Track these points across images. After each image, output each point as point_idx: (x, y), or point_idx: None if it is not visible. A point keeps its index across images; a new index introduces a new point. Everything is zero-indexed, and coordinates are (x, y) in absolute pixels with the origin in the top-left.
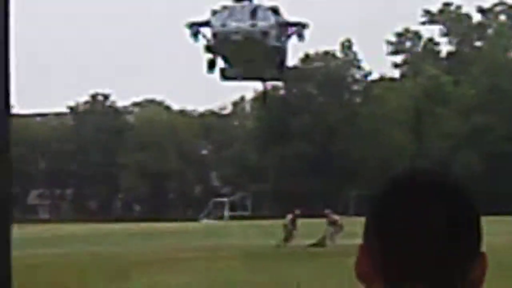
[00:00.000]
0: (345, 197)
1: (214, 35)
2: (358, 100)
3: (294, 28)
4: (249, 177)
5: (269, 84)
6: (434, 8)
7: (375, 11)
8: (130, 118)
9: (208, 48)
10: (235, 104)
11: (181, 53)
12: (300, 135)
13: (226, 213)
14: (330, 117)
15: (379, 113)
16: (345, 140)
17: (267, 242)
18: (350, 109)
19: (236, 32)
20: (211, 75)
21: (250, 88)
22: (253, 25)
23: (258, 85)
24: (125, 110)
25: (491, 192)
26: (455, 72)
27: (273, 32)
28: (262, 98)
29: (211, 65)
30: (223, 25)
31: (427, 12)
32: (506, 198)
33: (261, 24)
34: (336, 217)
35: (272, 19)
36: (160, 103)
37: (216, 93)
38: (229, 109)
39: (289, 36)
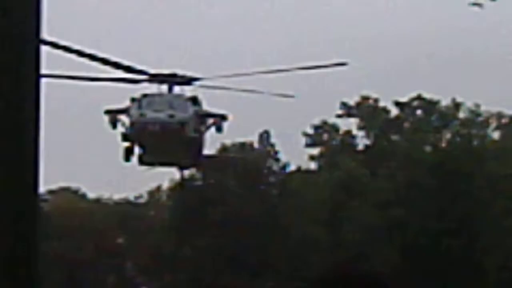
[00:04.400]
0: None
1: (132, 124)
2: (275, 192)
3: (212, 120)
4: (164, 267)
5: (186, 173)
6: (351, 101)
7: (293, 102)
8: (45, 206)
9: (125, 137)
10: (151, 193)
11: (97, 139)
12: (216, 226)
13: None
14: (247, 209)
15: (296, 206)
16: (261, 232)
17: None
18: (267, 201)
19: (154, 123)
20: (127, 164)
21: (166, 178)
22: (171, 116)
23: (175, 175)
24: (39, 198)
25: (408, 285)
26: (372, 165)
27: (191, 123)
28: (178, 186)
29: (128, 153)
30: (142, 115)
31: (344, 105)
32: None
33: (179, 115)
34: None
35: (191, 109)
36: (75, 191)
37: (132, 182)
38: (145, 198)
39: (207, 128)
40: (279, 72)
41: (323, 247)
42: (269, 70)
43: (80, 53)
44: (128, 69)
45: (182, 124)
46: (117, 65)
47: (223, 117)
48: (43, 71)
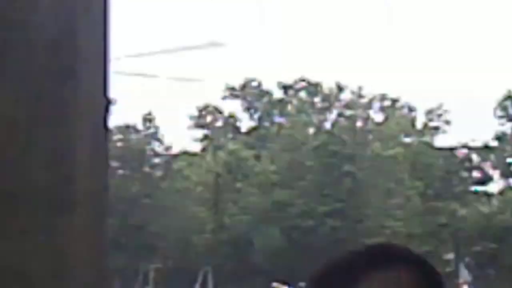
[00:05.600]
0: (145, 270)
1: None
2: (158, 174)
3: None
4: None
5: None
6: (236, 83)
7: (174, 85)
8: None
9: None
10: None
11: None
12: None
13: None
14: (131, 190)
15: (180, 188)
16: (145, 214)
17: None
18: (151, 183)
19: None
20: None
21: None
22: None
23: None
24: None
25: (291, 266)
26: (256, 147)
27: None
28: None
29: None
30: None
31: (228, 87)
32: (306, 272)
33: None
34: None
35: None
36: None
37: None
38: None
39: None
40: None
41: (207, 229)
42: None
43: None
44: None
45: None
46: None
47: (109, 100)
48: None
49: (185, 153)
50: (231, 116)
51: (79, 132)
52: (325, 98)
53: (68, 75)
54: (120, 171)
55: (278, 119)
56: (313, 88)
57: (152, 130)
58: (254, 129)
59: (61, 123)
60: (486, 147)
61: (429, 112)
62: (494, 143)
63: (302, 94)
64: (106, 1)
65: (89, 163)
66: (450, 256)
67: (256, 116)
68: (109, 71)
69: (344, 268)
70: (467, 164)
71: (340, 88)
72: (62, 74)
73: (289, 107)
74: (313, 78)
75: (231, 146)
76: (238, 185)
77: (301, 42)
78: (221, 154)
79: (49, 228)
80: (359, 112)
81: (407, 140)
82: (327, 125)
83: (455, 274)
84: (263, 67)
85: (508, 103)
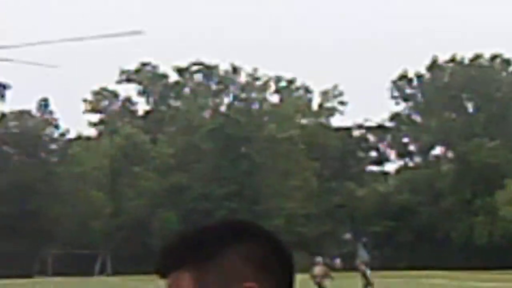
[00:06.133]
0: (43, 256)
1: None
2: (55, 159)
3: None
4: None
5: None
6: (131, 67)
7: (73, 71)
8: None
9: None
10: None
11: None
12: None
13: None
14: (27, 176)
15: (76, 173)
16: (41, 199)
17: None
18: (47, 168)
19: None
20: None
21: None
22: None
23: None
24: None
25: None
26: (152, 131)
27: None
28: None
29: None
30: None
31: (123, 71)
32: None
33: None
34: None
35: None
36: None
37: None
38: None
39: None
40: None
41: (104, 214)
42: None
43: None
44: None
45: None
46: None
47: (5, 86)
48: None
49: (81, 137)
50: (127, 99)
51: None
52: (221, 80)
53: None
54: (16, 157)
55: (173, 103)
56: (209, 70)
57: (47, 115)
58: (150, 112)
59: None
60: (382, 127)
61: (324, 93)
62: (390, 124)
63: (198, 76)
64: None
65: None
66: (348, 236)
67: (151, 100)
68: None
69: (196, 243)
70: (363, 144)
71: (235, 70)
72: None
73: (185, 90)
74: (208, 60)
75: (127, 130)
76: (135, 169)
77: (197, 24)
78: (117, 138)
79: None
80: (255, 94)
81: (304, 121)
82: (223, 108)
83: (354, 254)
84: (158, 51)
85: (403, 83)
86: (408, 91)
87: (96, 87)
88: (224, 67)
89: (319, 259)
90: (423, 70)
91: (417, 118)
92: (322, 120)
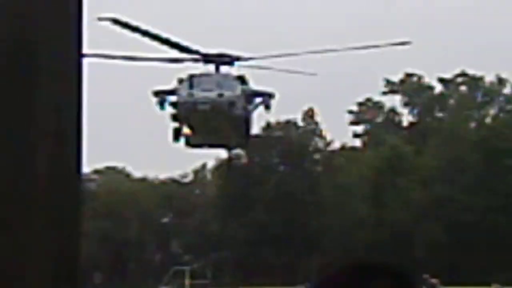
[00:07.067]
0: (305, 267)
1: (181, 104)
2: (319, 169)
3: (260, 99)
4: (210, 245)
5: (232, 152)
6: (396, 78)
7: (337, 80)
8: (91, 186)
9: (175, 117)
10: (196, 172)
11: (143, 119)
12: (261, 204)
13: (187, 281)
14: (291, 186)
15: (340, 183)
16: (305, 209)
17: None
18: (311, 179)
19: (203, 102)
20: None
21: (211, 156)
22: (220, 95)
23: (220, 153)
24: (85, 177)
25: (453, 262)
26: (416, 142)
27: (240, 102)
28: (226, 166)
29: (177, 134)
30: (190, 95)
31: (388, 82)
32: (468, 268)
33: (227, 93)
34: (434, 281)
35: (239, 88)
36: (121, 171)
37: (177, 161)
38: (190, 177)
39: (256, 106)
40: (331, 52)
41: (367, 225)
42: (323, 50)
43: (144, 33)
44: (184, 49)
45: (231, 103)
46: (174, 45)
47: (270, 95)
48: (90, 50)
49: (345, 148)
50: (392, 110)
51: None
52: (486, 92)
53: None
54: (281, 168)
55: (438, 114)
56: (474, 81)
57: (312, 126)
58: (414, 124)
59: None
60: None
61: None
62: None
63: (463, 88)
64: None
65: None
66: None
67: (416, 111)
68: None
69: (341, 282)
70: None
71: (500, 81)
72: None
73: (450, 102)
74: (473, 72)
75: (391, 141)
76: (398, 180)
77: (461, 35)
78: (381, 149)
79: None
80: None
81: None
82: (488, 120)
83: None
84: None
85: None
86: None
87: (361, 98)
88: (489, 78)
89: None
90: None
91: None
92: None
